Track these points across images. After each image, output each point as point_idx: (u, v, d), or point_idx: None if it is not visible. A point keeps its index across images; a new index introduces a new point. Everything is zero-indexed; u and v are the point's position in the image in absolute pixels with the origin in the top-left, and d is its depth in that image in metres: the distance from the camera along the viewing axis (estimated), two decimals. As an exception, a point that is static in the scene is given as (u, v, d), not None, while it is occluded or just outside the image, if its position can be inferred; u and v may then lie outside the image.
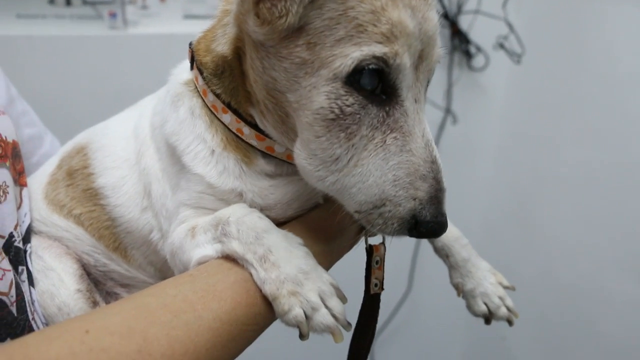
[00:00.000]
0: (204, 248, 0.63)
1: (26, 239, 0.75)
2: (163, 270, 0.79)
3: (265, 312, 0.58)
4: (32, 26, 1.51)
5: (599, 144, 1.59)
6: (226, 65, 0.66)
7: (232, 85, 0.66)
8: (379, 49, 0.53)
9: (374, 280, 0.73)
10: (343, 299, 0.60)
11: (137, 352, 0.47)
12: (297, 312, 0.56)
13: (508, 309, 0.81)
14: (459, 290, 0.82)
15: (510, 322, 0.81)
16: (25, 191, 0.79)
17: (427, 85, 0.61)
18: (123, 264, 0.80)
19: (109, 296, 0.82)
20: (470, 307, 0.82)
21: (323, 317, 0.57)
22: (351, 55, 0.53)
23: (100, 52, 1.53)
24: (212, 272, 0.59)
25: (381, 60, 0.53)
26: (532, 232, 1.83)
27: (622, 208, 1.53)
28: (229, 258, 0.61)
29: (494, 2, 1.75)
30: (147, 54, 1.57)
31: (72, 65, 1.51)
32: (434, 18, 0.58)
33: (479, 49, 1.85)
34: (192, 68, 0.71)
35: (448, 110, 1.92)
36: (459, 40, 1.83)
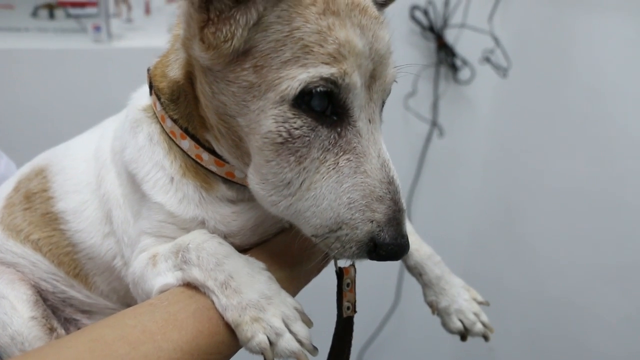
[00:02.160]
0: (165, 276, 0.61)
1: None
2: (127, 297, 0.77)
3: (228, 340, 0.57)
4: (14, 39, 1.49)
5: (586, 156, 1.61)
6: (180, 90, 0.65)
7: (188, 110, 0.65)
8: (326, 70, 0.52)
9: (345, 304, 0.72)
10: (308, 322, 0.59)
11: None
12: (261, 338, 0.55)
13: (483, 324, 0.81)
14: (434, 308, 0.81)
15: (486, 338, 0.81)
16: None
17: (382, 106, 0.60)
18: (84, 291, 0.77)
19: (68, 322, 0.79)
20: (445, 325, 0.81)
21: (287, 342, 0.56)
22: (298, 77, 0.52)
23: (84, 66, 1.52)
24: (173, 300, 0.58)
25: (329, 81, 0.52)
26: (520, 244, 1.84)
27: (610, 220, 1.54)
28: (190, 286, 0.60)
29: (479, 16, 1.77)
30: (132, 68, 1.53)
31: (55, 80, 1.49)
32: (385, 37, 0.57)
33: (465, 62, 1.86)
34: (150, 93, 0.70)
35: (434, 123, 1.92)
36: (445, 54, 1.84)
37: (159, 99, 0.67)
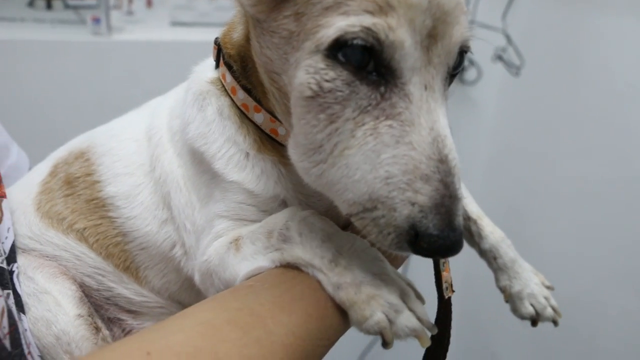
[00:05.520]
0: (254, 260, 0.55)
1: (11, 258, 0.66)
2: (179, 293, 0.71)
3: (337, 323, 0.51)
4: (10, 30, 1.45)
5: (595, 158, 1.58)
6: (245, 54, 0.60)
7: (256, 79, 0.60)
8: (367, 20, 0.44)
9: (444, 284, 0.66)
10: (422, 299, 0.53)
11: None
12: (379, 317, 0.49)
13: (553, 309, 0.77)
14: (507, 293, 0.77)
15: (555, 323, 0.77)
16: (5, 203, 0.69)
17: (451, 75, 0.51)
18: (134, 286, 0.71)
19: (112, 322, 0.73)
20: (516, 310, 0.77)
21: (408, 319, 0.50)
22: (335, 25, 0.45)
23: (83, 59, 1.47)
24: (275, 282, 0.52)
25: (370, 34, 0.45)
26: (524, 246, 1.80)
27: (617, 222, 1.52)
28: (289, 267, 0.54)
29: (489, 14, 1.74)
30: (132, 61, 1.51)
31: (52, 72, 1.45)
32: None
33: (471, 62, 1.83)
34: (217, 66, 0.65)
35: (440, 124, 1.89)
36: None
37: (229, 68, 0.62)
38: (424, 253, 0.46)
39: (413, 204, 0.45)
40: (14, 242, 0.68)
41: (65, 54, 1.45)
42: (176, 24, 1.60)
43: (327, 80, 0.47)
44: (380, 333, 0.49)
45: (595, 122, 1.58)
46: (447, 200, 0.45)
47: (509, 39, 1.74)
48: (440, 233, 0.44)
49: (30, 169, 0.89)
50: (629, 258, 1.49)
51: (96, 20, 1.47)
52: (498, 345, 2.07)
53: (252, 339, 0.45)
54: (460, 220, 0.46)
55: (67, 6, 1.47)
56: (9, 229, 0.68)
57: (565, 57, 1.68)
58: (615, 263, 1.53)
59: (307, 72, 0.47)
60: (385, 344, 0.50)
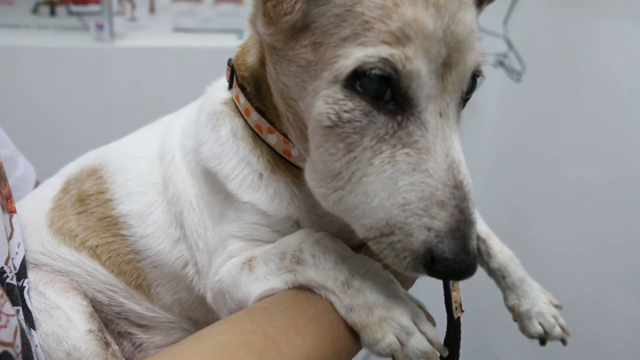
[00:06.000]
0: (268, 281, 0.56)
1: (21, 273, 0.66)
2: (191, 309, 0.72)
3: (349, 345, 0.52)
4: (14, 36, 1.45)
5: (595, 161, 1.58)
6: (259, 77, 0.61)
7: (270, 102, 0.61)
8: (384, 50, 0.45)
9: (453, 305, 0.66)
10: (433, 321, 0.54)
11: None
12: (391, 339, 0.50)
13: (562, 327, 0.77)
14: (515, 312, 0.77)
15: (564, 342, 0.78)
16: (15, 219, 0.69)
17: (464, 100, 0.53)
18: (145, 303, 0.71)
19: (122, 337, 0.73)
20: (525, 329, 0.77)
21: (419, 342, 0.50)
22: (353, 55, 0.46)
23: (86, 65, 1.48)
24: (288, 304, 0.53)
25: (387, 64, 0.46)
26: (527, 249, 1.80)
27: (618, 224, 1.52)
28: (302, 289, 0.54)
29: (489, 20, 1.75)
30: (135, 67, 1.52)
31: (55, 78, 1.45)
32: (466, 18, 0.49)
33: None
34: (230, 87, 0.65)
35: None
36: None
37: (243, 90, 0.63)
38: (440, 276, 0.47)
39: (429, 230, 0.46)
40: (24, 257, 0.68)
41: (69, 60, 1.46)
42: (179, 30, 1.60)
43: (345, 111, 0.48)
44: (392, 355, 0.50)
45: (596, 125, 1.58)
46: (462, 225, 0.46)
47: (510, 44, 1.75)
48: (455, 257, 0.46)
49: (37, 180, 0.89)
50: (631, 259, 1.49)
51: (99, 27, 1.47)
52: (500, 349, 2.06)
53: None
54: (474, 244, 0.47)
55: (70, 13, 1.47)
56: (19, 244, 0.68)
57: (565, 63, 1.68)
58: (617, 264, 1.53)
59: (326, 102, 0.48)
60: None
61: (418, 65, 0.46)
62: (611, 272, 1.55)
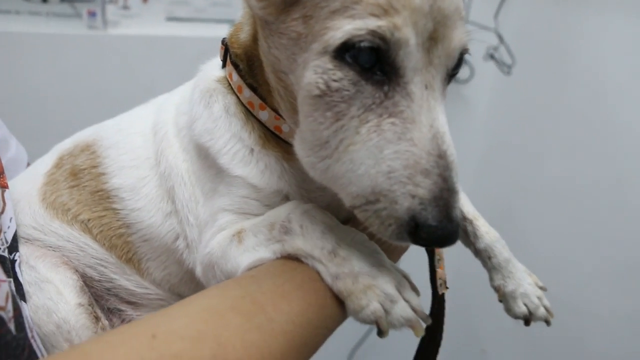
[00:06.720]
0: (256, 252, 0.58)
1: (12, 247, 0.67)
2: (180, 285, 0.73)
3: (335, 313, 0.53)
4: (5, 22, 1.44)
5: (587, 156, 1.60)
6: (251, 53, 0.62)
7: (262, 78, 0.62)
8: (372, 22, 0.47)
9: (438, 281, 0.68)
10: (416, 290, 0.55)
11: (213, 358, 0.43)
12: (375, 306, 0.51)
13: (546, 309, 0.79)
14: (500, 292, 0.79)
15: (547, 322, 0.79)
16: (7, 194, 0.70)
17: (449, 77, 0.54)
18: (135, 277, 0.72)
19: (111, 313, 0.74)
20: (510, 310, 0.79)
21: (403, 310, 0.52)
22: (342, 28, 0.47)
23: (78, 53, 1.47)
24: (276, 272, 0.54)
25: (376, 35, 0.47)
26: (516, 245, 1.81)
27: (607, 221, 1.54)
28: (290, 258, 0.56)
29: (481, 13, 1.75)
30: (128, 56, 1.51)
31: (47, 65, 1.45)
32: None
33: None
34: (224, 65, 0.67)
35: (432, 122, 1.90)
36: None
37: (236, 67, 0.64)
38: (423, 243, 0.48)
39: (413, 197, 0.47)
40: (16, 231, 0.69)
41: (61, 47, 1.45)
42: (172, 19, 1.60)
43: (334, 80, 0.49)
44: (376, 322, 0.51)
45: (585, 120, 1.59)
46: (445, 193, 0.48)
47: (500, 38, 1.76)
48: (438, 224, 0.47)
49: (28, 162, 0.90)
50: (619, 257, 1.50)
51: (92, 14, 1.47)
52: (488, 343, 2.09)
53: (253, 325, 0.47)
54: (457, 212, 0.48)
55: (62, 0, 1.47)
56: (11, 218, 0.69)
57: (555, 56, 1.69)
58: (606, 262, 1.54)
59: (316, 72, 0.50)
60: (381, 333, 0.52)
61: (406, 34, 0.47)
62: (598, 268, 1.56)
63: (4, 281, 0.58)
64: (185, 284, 0.71)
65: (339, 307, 0.53)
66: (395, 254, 0.65)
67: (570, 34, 1.64)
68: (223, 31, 1.64)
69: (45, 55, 1.44)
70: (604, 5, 1.52)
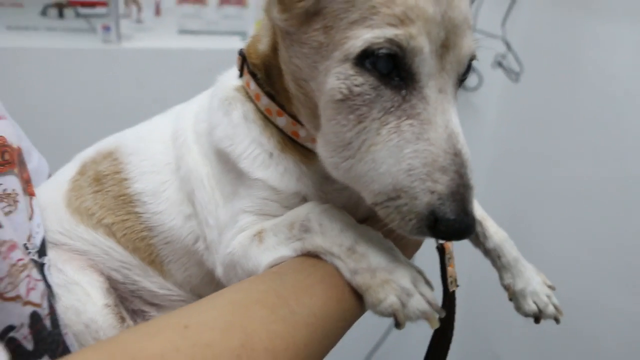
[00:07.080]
0: (277, 250, 0.61)
1: (41, 252, 0.70)
2: (200, 286, 0.75)
3: (352, 307, 0.56)
4: (23, 38, 1.48)
5: (594, 161, 1.60)
6: (270, 63, 0.65)
7: (280, 84, 0.65)
8: (390, 31, 0.50)
9: (449, 279, 0.71)
10: (430, 285, 0.58)
11: (241, 347, 0.45)
12: (393, 299, 0.53)
13: (555, 307, 0.80)
14: (510, 291, 0.80)
15: (557, 320, 0.80)
16: (35, 201, 0.73)
17: (459, 82, 0.57)
18: (158, 279, 0.75)
19: (136, 314, 0.76)
20: (520, 308, 0.80)
21: (419, 302, 0.54)
22: (362, 37, 0.51)
23: (93, 66, 1.51)
24: (297, 268, 0.57)
25: (393, 43, 0.50)
26: (526, 249, 1.81)
27: (617, 224, 1.54)
28: (310, 256, 0.59)
29: (489, 21, 1.76)
30: (141, 68, 1.55)
31: (63, 79, 1.48)
32: (461, 6, 0.54)
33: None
34: (241, 75, 0.70)
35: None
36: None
37: (254, 76, 0.67)
38: (442, 236, 0.51)
39: (432, 193, 0.50)
40: (44, 237, 0.72)
41: (77, 61, 1.49)
42: (184, 32, 1.63)
43: (356, 85, 0.52)
44: (394, 314, 0.54)
45: (594, 126, 1.59)
46: (461, 189, 0.51)
47: (508, 45, 1.77)
48: (457, 217, 0.50)
49: (49, 174, 0.92)
50: (629, 259, 1.50)
51: (106, 29, 1.50)
52: (502, 349, 2.08)
53: (278, 317, 0.49)
54: (472, 206, 0.51)
55: (78, 15, 1.50)
56: (38, 225, 0.71)
57: (563, 63, 1.70)
58: (616, 264, 1.54)
59: (338, 78, 0.53)
60: (398, 325, 0.54)
61: (421, 42, 0.51)
62: (608, 271, 1.56)
63: (40, 280, 0.60)
64: (206, 285, 0.73)
65: (358, 301, 0.56)
66: (408, 251, 0.68)
67: (577, 41, 1.64)
68: (234, 43, 1.67)
69: (62, 70, 1.48)
70: (611, 12, 1.53)
